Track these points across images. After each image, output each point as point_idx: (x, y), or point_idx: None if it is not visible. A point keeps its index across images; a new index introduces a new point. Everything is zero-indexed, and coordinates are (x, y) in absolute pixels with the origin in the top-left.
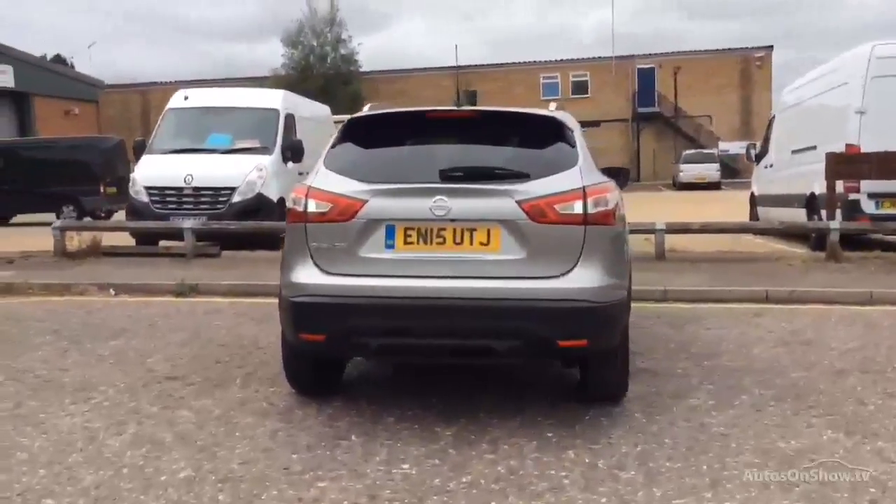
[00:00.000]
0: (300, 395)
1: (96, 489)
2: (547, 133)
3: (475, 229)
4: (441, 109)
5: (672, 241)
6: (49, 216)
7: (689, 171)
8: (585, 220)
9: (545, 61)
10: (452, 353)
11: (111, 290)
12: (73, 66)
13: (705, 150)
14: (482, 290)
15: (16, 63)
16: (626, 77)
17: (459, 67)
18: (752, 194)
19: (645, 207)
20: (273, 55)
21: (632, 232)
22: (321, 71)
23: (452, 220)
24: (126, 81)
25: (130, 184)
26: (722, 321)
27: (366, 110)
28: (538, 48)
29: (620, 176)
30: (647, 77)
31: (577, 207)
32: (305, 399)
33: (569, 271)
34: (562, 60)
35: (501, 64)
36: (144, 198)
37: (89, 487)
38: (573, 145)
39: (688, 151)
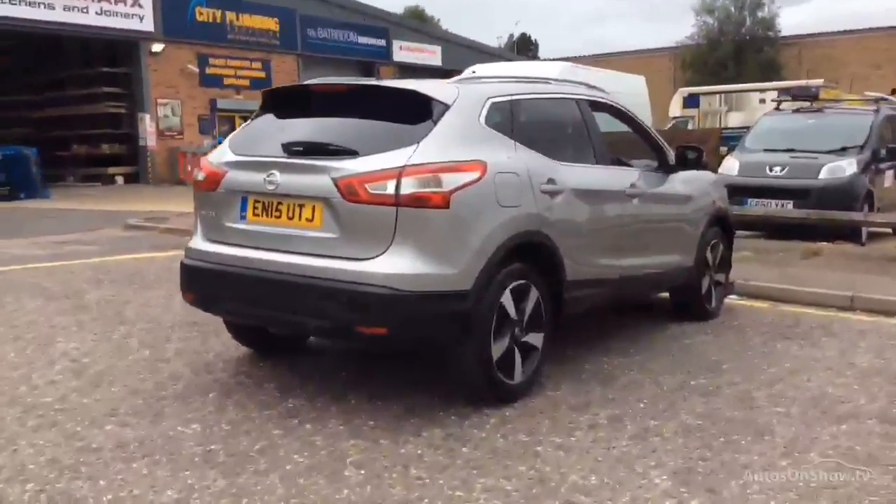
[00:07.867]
0: (256, 353)
1: None
2: (405, 108)
3: (303, 205)
4: (322, 83)
5: None
6: None
7: None
8: (397, 201)
9: None
10: (277, 326)
11: None
12: (536, 45)
13: None
14: (296, 267)
15: (443, 44)
16: None
17: None
18: None
19: None
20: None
21: (838, 223)
22: (734, 38)
23: (286, 195)
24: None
25: None
26: (851, 339)
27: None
28: None
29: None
30: None
31: (390, 187)
32: (251, 355)
33: (379, 255)
34: None
35: None
36: None
37: None
38: (435, 121)
39: None
